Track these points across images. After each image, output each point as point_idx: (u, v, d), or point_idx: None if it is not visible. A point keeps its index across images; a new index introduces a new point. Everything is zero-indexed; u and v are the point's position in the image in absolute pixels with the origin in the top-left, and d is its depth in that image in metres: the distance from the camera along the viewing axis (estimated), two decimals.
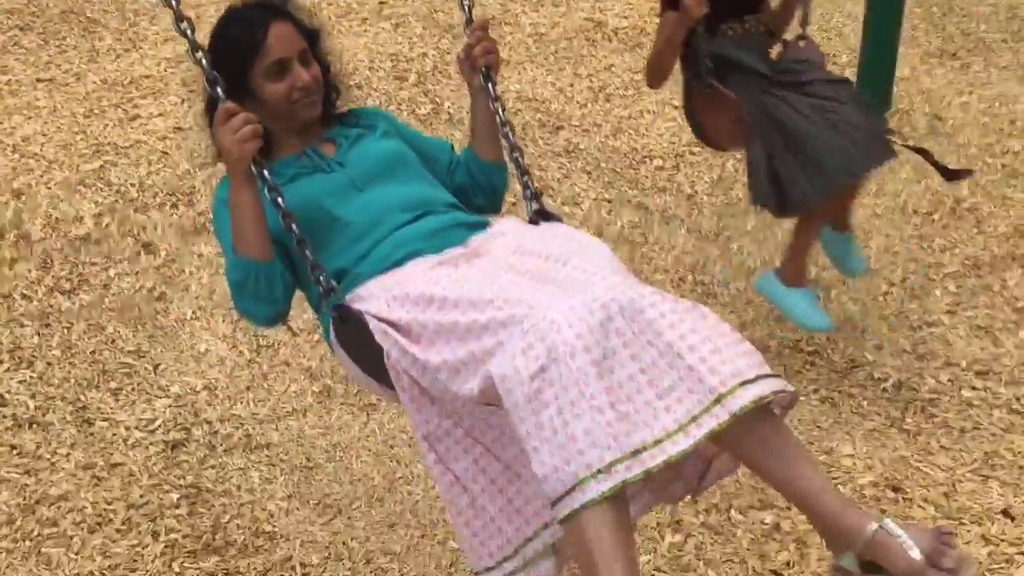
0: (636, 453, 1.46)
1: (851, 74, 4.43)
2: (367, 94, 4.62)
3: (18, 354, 3.26)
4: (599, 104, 4.56)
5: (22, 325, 3.38)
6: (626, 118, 4.46)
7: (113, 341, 3.34)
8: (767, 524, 2.50)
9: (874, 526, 1.54)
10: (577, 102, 4.58)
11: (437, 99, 4.58)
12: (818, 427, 2.83)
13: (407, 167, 2.12)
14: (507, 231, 1.95)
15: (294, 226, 1.88)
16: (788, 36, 3.04)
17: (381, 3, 5.45)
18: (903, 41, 4.73)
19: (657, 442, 1.46)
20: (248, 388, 3.17)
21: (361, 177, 2.06)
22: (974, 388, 2.91)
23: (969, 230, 3.64)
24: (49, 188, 4.01)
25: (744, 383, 1.48)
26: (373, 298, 1.83)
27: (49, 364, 3.24)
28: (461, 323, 1.62)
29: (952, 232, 3.64)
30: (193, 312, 3.46)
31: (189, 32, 1.86)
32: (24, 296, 3.49)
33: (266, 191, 1.89)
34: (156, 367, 3.25)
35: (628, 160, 4.20)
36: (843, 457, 2.68)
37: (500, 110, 2.12)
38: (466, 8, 2.14)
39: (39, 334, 3.35)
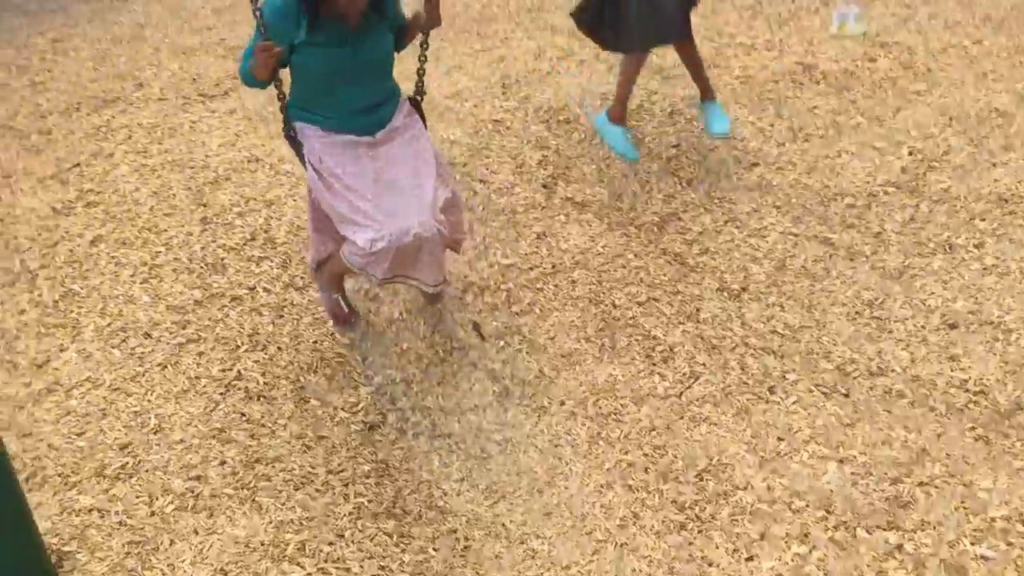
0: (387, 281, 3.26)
1: None
2: (573, 128, 4.97)
3: (255, 338, 3.84)
4: (797, 144, 4.66)
5: (261, 314, 3.96)
6: (822, 157, 4.53)
7: (333, 334, 3.85)
8: (890, 544, 2.57)
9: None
10: (775, 141, 4.70)
11: (639, 135, 4.85)
12: (966, 462, 2.84)
13: (384, 66, 3.29)
14: (396, 127, 3.31)
15: (282, 92, 3.23)
16: None
17: None
18: None
19: (404, 278, 3.28)
20: (439, 383, 3.56)
21: (360, 67, 3.18)
22: None
23: None
24: (295, 200, 4.63)
25: (436, 285, 3.33)
26: (312, 143, 3.24)
27: (279, 348, 3.78)
28: (351, 199, 3.16)
29: None
30: (399, 314, 3.91)
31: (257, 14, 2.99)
32: (265, 290, 4.08)
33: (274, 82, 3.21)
34: (364, 359, 3.72)
35: (819, 197, 4.29)
36: (980, 490, 2.69)
37: (425, 49, 3.43)
38: None
39: (274, 323, 3.91)
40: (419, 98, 3.50)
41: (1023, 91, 4.76)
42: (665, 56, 5.59)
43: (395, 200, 3.18)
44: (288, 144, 3.37)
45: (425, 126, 3.47)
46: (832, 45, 5.46)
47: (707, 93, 4.40)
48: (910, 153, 4.46)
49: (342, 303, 3.72)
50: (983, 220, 3.97)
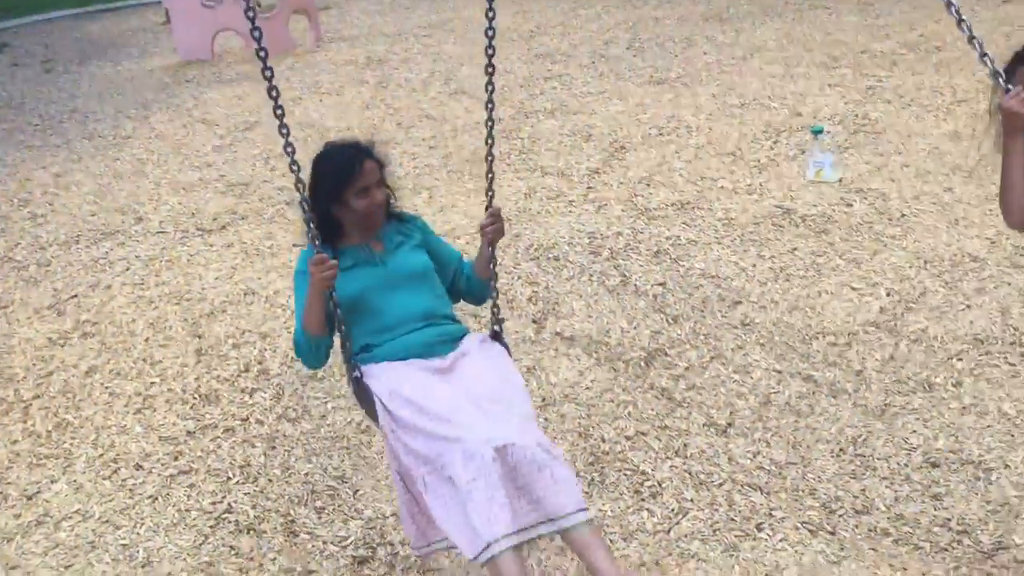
0: (507, 536, 2.56)
1: None
2: (562, 265, 5.13)
3: (247, 470, 3.86)
4: (778, 283, 4.82)
5: (253, 446, 3.99)
6: (803, 297, 4.68)
7: (324, 468, 3.87)
8: None
9: None
10: (758, 280, 4.87)
11: (626, 273, 5.01)
12: None
13: (426, 280, 3.07)
14: (469, 351, 2.99)
15: (342, 325, 2.91)
16: None
17: (589, 188, 6.04)
18: None
19: (521, 531, 2.61)
20: None
21: (396, 279, 3.01)
22: None
23: None
24: (289, 332, 4.72)
25: (566, 515, 2.65)
26: (380, 381, 2.86)
27: (270, 481, 3.80)
28: (428, 428, 2.71)
29: None
30: None
31: (305, 205, 2.78)
32: (258, 421, 4.13)
33: (331, 304, 2.88)
34: (355, 492, 3.73)
35: (801, 335, 4.41)
36: None
37: (494, 265, 3.14)
38: (488, 196, 3.06)
39: (265, 455, 3.94)
40: (498, 328, 3.14)
41: (994, 237, 4.97)
42: (650, 198, 5.82)
43: (483, 413, 2.74)
44: (353, 395, 3.03)
45: (510, 355, 3.10)
46: (810, 190, 5.70)
47: None
48: (888, 294, 4.62)
49: None
50: (960, 360, 4.09)
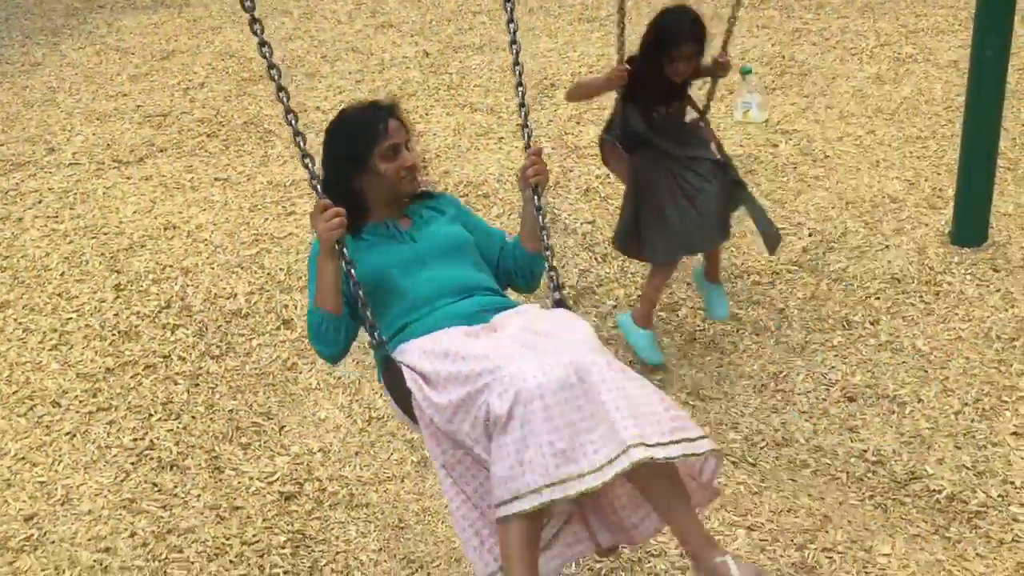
0: (563, 482, 1.95)
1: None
2: (492, 203, 5.09)
3: (169, 407, 3.79)
4: None
5: (176, 383, 3.91)
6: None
7: (249, 404, 3.82)
8: None
9: (719, 559, 1.99)
10: None
11: (555, 211, 5.00)
12: (866, 528, 2.98)
13: (463, 252, 2.62)
14: (522, 312, 2.43)
15: (361, 292, 2.38)
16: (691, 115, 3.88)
17: (519, 125, 5.99)
18: (1017, 179, 4.89)
19: (580, 476, 1.95)
20: (357, 453, 3.56)
21: (426, 253, 2.56)
22: (1023, 504, 2.99)
23: None
24: (212, 268, 4.62)
25: (648, 445, 1.95)
26: (411, 353, 2.33)
27: (193, 418, 3.74)
28: (463, 371, 2.14)
29: None
30: (318, 383, 3.92)
31: (302, 143, 2.31)
32: (180, 358, 4.04)
33: (344, 264, 2.38)
34: (281, 428, 3.70)
35: (726, 274, 4.46)
36: (880, 556, 2.81)
37: (542, 218, 2.60)
38: (526, 135, 2.63)
39: (188, 392, 3.87)
40: (559, 295, 2.56)
41: (912, 179, 5.09)
42: (580, 135, 5.80)
43: (530, 348, 2.16)
44: (384, 386, 2.46)
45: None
46: (737, 131, 5.75)
47: (714, 276, 4.03)
48: (810, 234, 4.70)
49: None
50: (878, 299, 4.20)
